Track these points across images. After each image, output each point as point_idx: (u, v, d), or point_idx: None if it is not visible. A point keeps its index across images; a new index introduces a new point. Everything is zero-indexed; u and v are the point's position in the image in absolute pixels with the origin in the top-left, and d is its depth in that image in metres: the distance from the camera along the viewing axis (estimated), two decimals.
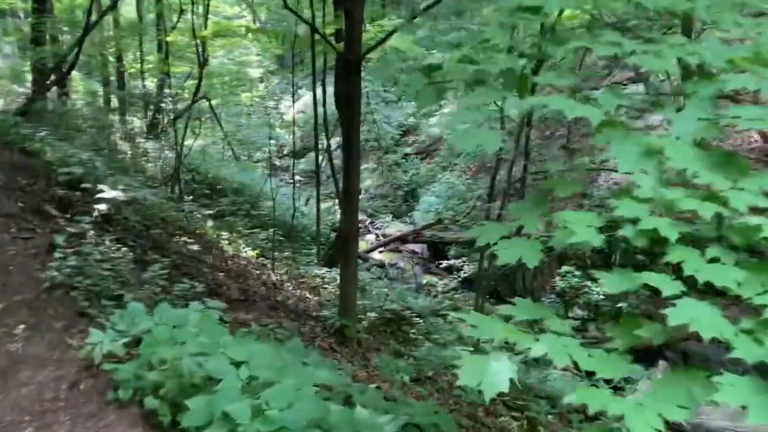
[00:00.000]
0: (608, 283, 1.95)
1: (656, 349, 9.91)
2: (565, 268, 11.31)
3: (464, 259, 13.61)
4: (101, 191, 4.51)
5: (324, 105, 11.59)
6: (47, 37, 11.49)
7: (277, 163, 24.36)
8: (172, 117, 16.89)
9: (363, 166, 22.21)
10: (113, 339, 2.64)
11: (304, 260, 10.05)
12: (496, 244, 2.19)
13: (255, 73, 26.64)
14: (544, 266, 11.99)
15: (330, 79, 11.91)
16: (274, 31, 12.71)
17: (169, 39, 12.93)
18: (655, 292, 1.93)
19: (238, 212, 10.40)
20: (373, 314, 5.41)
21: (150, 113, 16.92)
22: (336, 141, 15.23)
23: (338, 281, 6.16)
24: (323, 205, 17.56)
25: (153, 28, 17.58)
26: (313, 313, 5.07)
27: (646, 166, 1.97)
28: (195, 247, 5.18)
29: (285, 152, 26.04)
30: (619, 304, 10.22)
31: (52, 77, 10.15)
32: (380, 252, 15.43)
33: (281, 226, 12.11)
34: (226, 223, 7.96)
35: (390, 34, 7.06)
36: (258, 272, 5.41)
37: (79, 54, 10.36)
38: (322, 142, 15.46)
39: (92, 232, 4.11)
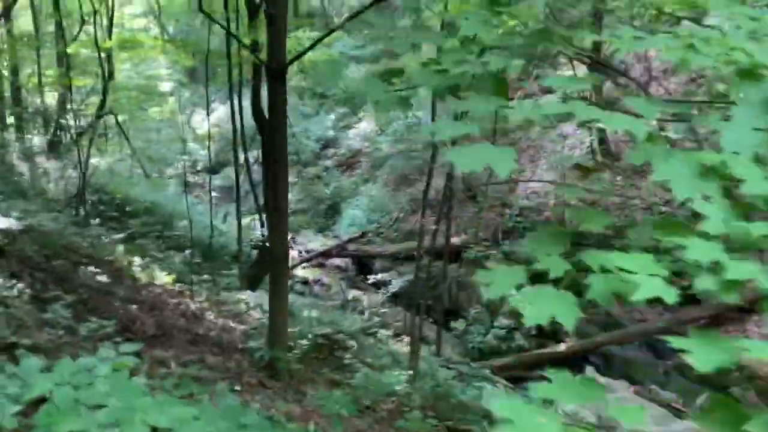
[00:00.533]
0: (698, 362, 1.32)
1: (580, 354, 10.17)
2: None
3: (390, 272, 13.46)
4: None
5: (241, 118, 11.16)
6: None
7: (191, 179, 23.49)
8: (74, 133, 15.90)
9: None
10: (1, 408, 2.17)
11: (224, 282, 9.55)
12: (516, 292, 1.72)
13: (165, 86, 25.70)
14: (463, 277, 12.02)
15: (247, 92, 11.54)
16: (185, 42, 12.04)
17: (69, 51, 12.07)
18: None
19: (151, 234, 9.76)
20: (303, 341, 5.10)
21: (50, 130, 15.82)
22: (254, 155, 14.80)
23: (263, 306, 5.81)
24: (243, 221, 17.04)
25: (52, 39, 16.50)
26: (239, 345, 4.70)
27: (706, 190, 1.55)
28: (104, 278, 4.69)
29: (199, 168, 25.19)
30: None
31: None
32: (303, 268, 15.04)
33: (198, 247, 11.53)
34: (137, 247, 7.40)
35: (318, 40, 6.78)
36: (175, 301, 4.98)
37: None
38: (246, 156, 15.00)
39: None
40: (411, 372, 5.32)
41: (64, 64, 17.22)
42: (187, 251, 8.26)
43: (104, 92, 15.42)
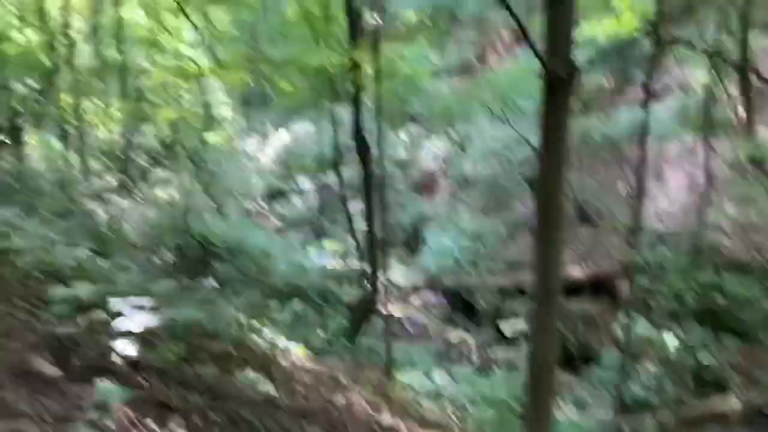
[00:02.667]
0: None
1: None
2: (625, 316, 9.78)
3: (497, 308, 12.00)
4: (117, 314, 2.78)
5: (336, 138, 9.98)
6: None
7: (252, 208, 22.58)
8: (143, 169, 15.02)
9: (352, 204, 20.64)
10: None
11: (336, 342, 8.29)
12: None
13: (221, 112, 24.99)
14: (595, 315, 10.48)
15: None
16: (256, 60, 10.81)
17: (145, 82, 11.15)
18: None
19: (250, 283, 8.59)
20: None
21: (117, 166, 14.99)
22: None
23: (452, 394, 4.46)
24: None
25: (114, 70, 15.73)
26: None
27: None
28: (251, 373, 3.45)
29: (257, 195, 24.21)
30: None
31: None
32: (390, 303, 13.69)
33: (288, 289, 10.36)
34: (252, 308, 6.13)
35: None
36: (342, 399, 3.70)
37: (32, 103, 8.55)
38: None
39: (117, 400, 2.37)
40: None
41: (126, 94, 16.52)
42: (296, 303, 7.01)
43: (172, 124, 14.55)
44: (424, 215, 16.57)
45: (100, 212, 10.79)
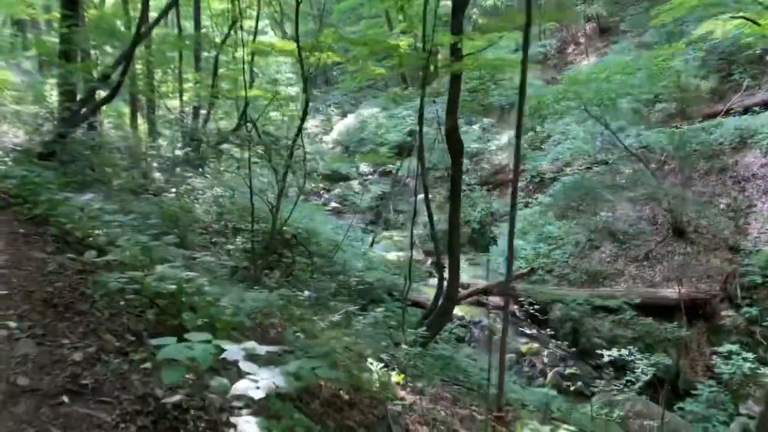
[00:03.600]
0: None
1: None
2: (727, 346, 8.88)
3: (572, 319, 11.20)
4: (233, 367, 2.19)
5: (420, 128, 9.34)
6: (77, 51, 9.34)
7: (312, 190, 22.14)
8: (211, 144, 14.70)
9: (421, 196, 20.00)
10: None
11: (408, 337, 7.69)
12: None
13: (288, 91, 24.67)
14: (690, 341, 9.60)
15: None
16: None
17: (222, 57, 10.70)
18: None
19: (328, 280, 8.07)
20: None
21: (187, 141, 14.70)
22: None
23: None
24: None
25: (191, 43, 15.39)
26: None
27: None
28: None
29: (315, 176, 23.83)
30: None
31: (84, 105, 7.90)
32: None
33: (362, 287, 9.86)
34: (362, 339, 5.49)
35: None
36: None
37: (126, 72, 8.17)
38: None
39: None
40: None
41: (201, 67, 16.20)
42: (379, 311, 6.43)
43: (246, 101, 14.12)
44: (495, 213, 15.82)
45: (172, 190, 10.46)
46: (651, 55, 9.99)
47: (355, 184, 22.76)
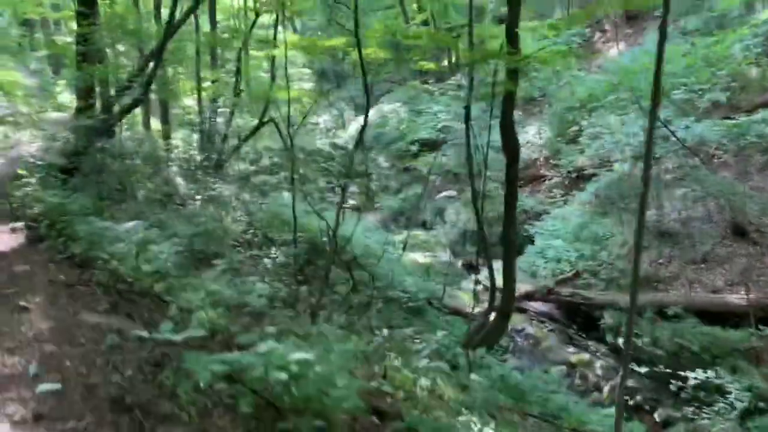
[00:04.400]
0: None
1: None
2: None
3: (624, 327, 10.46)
4: None
5: (468, 128, 8.63)
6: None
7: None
8: (232, 146, 14.01)
9: (443, 195, 19.27)
10: None
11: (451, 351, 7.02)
12: None
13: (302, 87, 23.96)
14: (762, 351, 8.88)
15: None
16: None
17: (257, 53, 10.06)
18: None
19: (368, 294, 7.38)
20: None
21: (205, 142, 14.02)
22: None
23: None
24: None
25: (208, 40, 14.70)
26: None
27: None
28: None
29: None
30: None
31: (108, 112, 7.22)
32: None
33: (405, 299, 9.19)
34: (395, 345, 4.84)
35: None
36: None
37: (155, 74, 7.49)
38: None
39: None
40: None
41: (219, 64, 15.52)
42: (439, 336, 5.74)
43: (267, 99, 13.48)
44: (528, 210, 15.06)
45: (197, 197, 9.80)
46: (711, 42, 9.24)
47: (374, 183, 22.03)
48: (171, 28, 7.31)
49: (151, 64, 7.31)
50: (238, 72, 12.39)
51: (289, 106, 12.31)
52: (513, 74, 7.14)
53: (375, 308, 6.88)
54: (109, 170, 6.98)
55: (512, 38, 6.94)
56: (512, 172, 7.72)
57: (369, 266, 8.62)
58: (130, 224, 3.86)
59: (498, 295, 8.07)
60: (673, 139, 11.07)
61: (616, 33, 19.51)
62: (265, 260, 7.41)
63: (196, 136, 14.81)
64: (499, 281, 8.35)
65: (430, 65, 9.52)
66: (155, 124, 15.63)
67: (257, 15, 12.31)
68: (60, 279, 3.12)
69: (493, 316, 8.53)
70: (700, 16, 13.10)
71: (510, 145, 7.35)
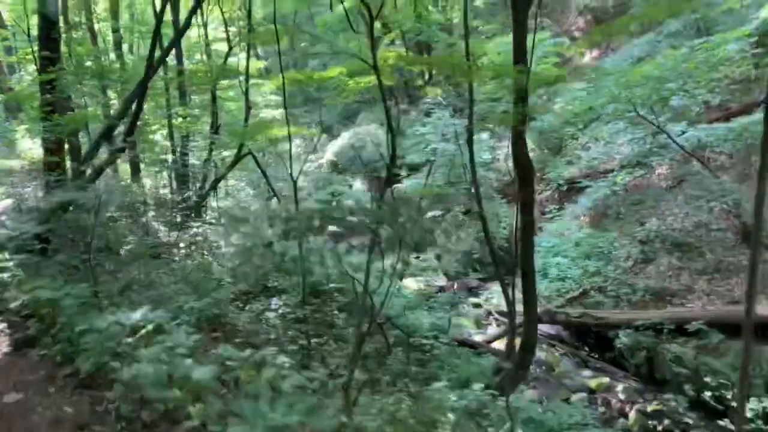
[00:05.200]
0: None
1: None
2: None
3: (642, 347, 10.03)
4: None
5: (471, 152, 8.12)
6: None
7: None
8: (206, 185, 13.27)
9: (428, 215, 18.74)
10: None
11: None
12: None
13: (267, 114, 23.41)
14: None
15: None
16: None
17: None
18: None
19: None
20: None
21: (179, 182, 13.26)
22: None
23: None
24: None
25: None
26: None
27: None
28: None
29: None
30: None
31: (84, 164, 6.50)
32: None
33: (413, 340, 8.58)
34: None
35: None
36: None
37: (138, 117, 6.80)
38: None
39: None
40: None
41: (186, 103, 14.77)
42: (475, 393, 5.16)
43: (245, 128, 12.83)
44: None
45: (181, 246, 9.05)
46: (709, 46, 8.96)
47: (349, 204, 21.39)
48: (151, 67, 6.65)
49: (134, 107, 6.62)
50: (213, 101, 11.67)
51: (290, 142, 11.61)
52: (523, 93, 6.64)
53: (409, 369, 6.24)
54: (86, 230, 6.25)
55: (520, 54, 6.45)
56: (526, 195, 7.21)
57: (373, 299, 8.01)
58: (137, 314, 3.14)
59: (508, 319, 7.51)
60: (673, 145, 10.75)
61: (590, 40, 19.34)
62: (268, 314, 6.73)
63: (165, 174, 14.06)
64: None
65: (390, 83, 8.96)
66: (121, 164, 14.83)
67: (230, 48, 11.66)
68: (67, 411, 2.38)
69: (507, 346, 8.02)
70: (681, 18, 12.92)
71: (522, 166, 6.84)
